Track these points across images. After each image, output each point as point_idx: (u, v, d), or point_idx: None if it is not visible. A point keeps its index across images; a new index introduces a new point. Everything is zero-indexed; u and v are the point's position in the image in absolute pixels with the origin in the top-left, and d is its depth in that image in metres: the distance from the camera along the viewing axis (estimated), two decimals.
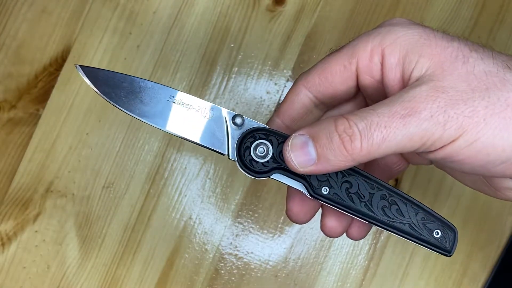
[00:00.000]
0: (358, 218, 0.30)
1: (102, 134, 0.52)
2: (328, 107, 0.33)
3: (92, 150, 0.52)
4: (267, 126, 0.31)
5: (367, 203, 0.29)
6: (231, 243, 0.52)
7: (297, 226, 0.52)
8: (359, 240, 0.38)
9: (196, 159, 0.52)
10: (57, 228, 0.51)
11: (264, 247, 0.52)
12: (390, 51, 0.28)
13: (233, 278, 0.52)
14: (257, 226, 0.52)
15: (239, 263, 0.52)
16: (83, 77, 0.31)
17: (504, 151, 0.26)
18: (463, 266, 0.52)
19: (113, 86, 0.31)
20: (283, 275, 0.52)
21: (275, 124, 0.32)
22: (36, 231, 0.51)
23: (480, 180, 0.31)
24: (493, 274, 0.52)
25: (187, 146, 0.52)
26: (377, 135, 0.26)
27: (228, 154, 0.31)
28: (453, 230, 0.30)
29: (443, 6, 0.54)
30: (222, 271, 0.52)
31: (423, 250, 0.51)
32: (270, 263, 0.52)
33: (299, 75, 0.31)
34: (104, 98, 0.31)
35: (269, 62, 0.53)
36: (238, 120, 0.30)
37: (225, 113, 0.31)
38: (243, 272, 0.52)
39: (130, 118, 0.52)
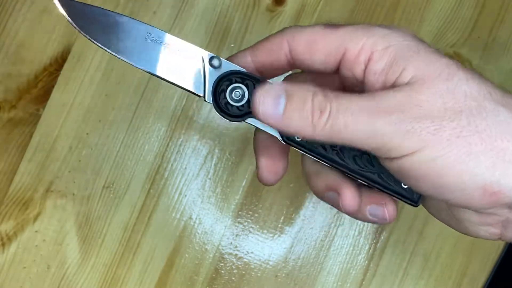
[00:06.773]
0: (329, 165, 0.30)
1: (102, 134, 0.52)
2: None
3: (92, 150, 0.52)
4: (244, 70, 0.30)
5: (339, 151, 0.30)
6: (231, 243, 0.52)
7: (297, 226, 0.52)
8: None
9: (196, 159, 0.52)
10: (57, 228, 0.51)
11: (264, 247, 0.52)
12: (378, 57, 0.28)
13: (233, 278, 0.52)
14: (257, 226, 0.52)
15: (239, 263, 0.52)
16: (59, 9, 0.30)
17: (461, 176, 0.26)
18: (463, 266, 0.52)
19: (89, 19, 0.30)
20: (283, 275, 0.52)
21: (244, 60, 0.32)
22: (36, 231, 0.51)
23: (445, 210, 0.31)
24: (493, 274, 0.52)
25: (187, 146, 0.52)
26: (341, 120, 0.26)
27: (204, 96, 0.30)
28: None
29: (443, 6, 0.54)
30: (222, 271, 0.52)
31: (423, 250, 0.51)
32: (270, 263, 0.52)
33: (292, 26, 0.31)
34: (80, 31, 0.30)
35: None
36: (216, 62, 0.30)
37: (203, 53, 0.30)
38: (243, 272, 0.52)
39: (130, 118, 0.52)
